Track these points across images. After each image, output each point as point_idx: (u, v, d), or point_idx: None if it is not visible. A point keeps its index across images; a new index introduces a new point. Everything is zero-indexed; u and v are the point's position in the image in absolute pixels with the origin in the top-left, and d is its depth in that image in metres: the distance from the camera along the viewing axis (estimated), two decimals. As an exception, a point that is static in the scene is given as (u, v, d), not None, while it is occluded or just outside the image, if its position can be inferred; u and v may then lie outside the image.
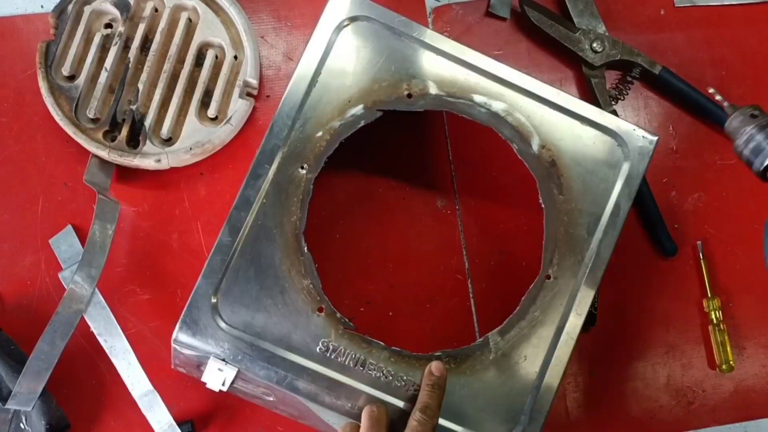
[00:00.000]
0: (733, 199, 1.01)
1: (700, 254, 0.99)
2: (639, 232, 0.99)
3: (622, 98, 1.00)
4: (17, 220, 0.91)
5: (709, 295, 0.98)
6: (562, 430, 0.94)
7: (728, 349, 0.96)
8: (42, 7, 0.95)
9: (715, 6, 1.04)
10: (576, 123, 0.83)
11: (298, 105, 0.79)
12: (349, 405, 0.75)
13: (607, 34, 0.99)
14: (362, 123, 0.80)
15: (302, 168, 0.79)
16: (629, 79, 1.00)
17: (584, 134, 0.83)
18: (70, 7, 0.91)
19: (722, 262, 1.00)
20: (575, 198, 0.82)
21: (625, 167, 0.83)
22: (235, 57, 0.93)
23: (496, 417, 0.77)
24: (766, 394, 0.98)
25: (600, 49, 0.98)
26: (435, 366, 0.77)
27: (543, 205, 0.81)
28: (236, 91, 0.93)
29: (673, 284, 0.99)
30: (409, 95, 0.82)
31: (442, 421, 0.76)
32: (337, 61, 0.81)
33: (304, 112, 0.79)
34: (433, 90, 0.82)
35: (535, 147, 0.82)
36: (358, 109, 0.81)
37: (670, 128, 1.01)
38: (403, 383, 0.77)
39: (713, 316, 0.97)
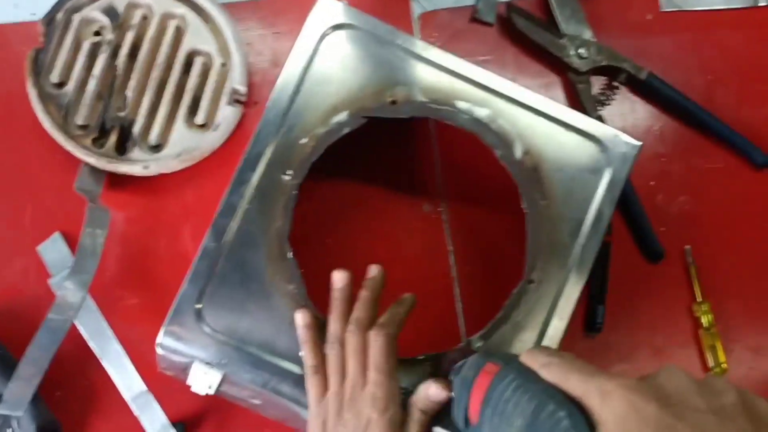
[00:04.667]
0: (719, 203, 1.02)
1: (689, 260, 0.99)
2: (626, 237, 0.99)
3: (608, 103, 1.00)
4: (6, 227, 0.92)
5: (699, 299, 0.98)
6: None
7: (719, 352, 0.97)
8: (33, 15, 0.96)
9: (702, 11, 1.05)
10: (560, 129, 0.84)
11: (283, 112, 0.80)
12: None
13: (593, 40, 0.99)
14: (347, 130, 0.81)
15: (286, 174, 0.79)
16: (615, 84, 1.00)
17: (567, 140, 0.84)
18: (59, 15, 0.91)
19: (708, 265, 1.00)
20: (558, 204, 0.82)
21: (608, 173, 0.83)
22: (223, 64, 0.94)
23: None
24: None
25: (586, 55, 0.99)
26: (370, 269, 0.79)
27: (526, 211, 0.82)
28: (224, 98, 0.93)
29: (661, 288, 1.00)
30: (394, 102, 0.82)
31: None
32: (321, 68, 0.81)
33: (289, 119, 0.80)
34: (417, 97, 0.82)
35: (518, 153, 0.83)
36: (342, 116, 0.81)
37: (657, 132, 1.02)
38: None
39: (704, 320, 0.98)
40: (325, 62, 0.82)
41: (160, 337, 0.76)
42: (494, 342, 0.79)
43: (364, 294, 0.77)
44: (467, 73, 0.83)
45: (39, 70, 0.90)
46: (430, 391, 0.72)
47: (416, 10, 1.01)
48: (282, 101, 0.80)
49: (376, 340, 0.73)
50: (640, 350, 0.97)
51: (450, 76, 0.83)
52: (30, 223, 0.92)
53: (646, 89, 1.02)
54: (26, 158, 0.93)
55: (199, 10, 0.94)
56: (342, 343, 0.74)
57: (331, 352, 0.74)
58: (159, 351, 0.77)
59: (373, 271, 0.79)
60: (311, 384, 0.74)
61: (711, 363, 0.97)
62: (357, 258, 0.94)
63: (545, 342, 0.79)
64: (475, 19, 1.01)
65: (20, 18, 0.96)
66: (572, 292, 0.81)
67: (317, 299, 0.78)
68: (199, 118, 0.92)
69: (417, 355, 0.79)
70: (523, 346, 0.79)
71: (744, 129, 1.02)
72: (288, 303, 0.77)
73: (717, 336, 0.97)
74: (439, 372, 0.76)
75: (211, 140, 0.92)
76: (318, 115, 0.81)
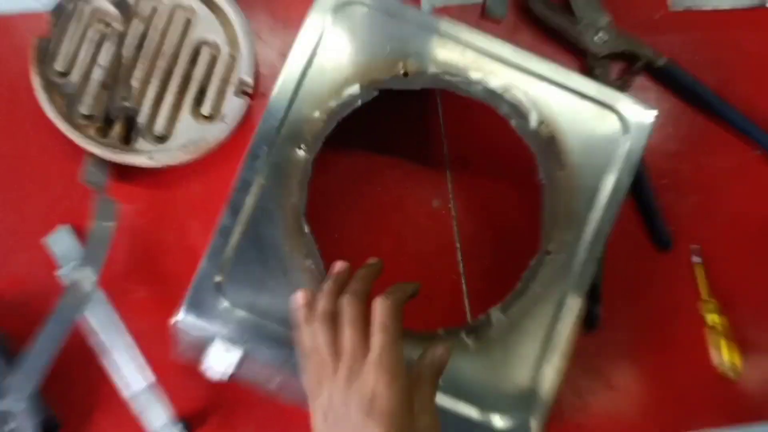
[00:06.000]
0: (730, 202, 1.01)
1: (696, 258, 0.98)
2: (634, 232, 0.98)
3: (625, 90, 0.99)
4: (11, 218, 0.91)
5: (705, 298, 0.97)
6: (557, 430, 0.93)
7: (731, 352, 0.96)
8: (40, 3, 0.95)
9: (710, 10, 1.05)
10: (575, 98, 0.83)
11: (295, 86, 0.80)
12: None
13: (610, 26, 0.99)
14: (359, 102, 0.80)
15: (300, 148, 0.79)
16: (633, 70, 1.00)
17: (583, 109, 0.83)
18: (67, 4, 0.91)
19: (720, 265, 0.99)
20: (575, 173, 0.82)
21: (625, 141, 0.83)
22: (231, 55, 0.93)
23: (501, 393, 0.77)
24: (761, 397, 0.97)
25: (605, 39, 0.98)
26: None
27: (542, 181, 0.81)
28: (231, 89, 0.92)
29: (673, 287, 0.98)
30: (405, 74, 0.82)
31: (444, 399, 0.76)
32: (332, 42, 0.81)
33: (301, 93, 0.80)
34: (429, 68, 0.82)
35: (533, 123, 0.82)
36: (354, 89, 0.81)
37: (670, 129, 1.01)
38: (405, 362, 0.76)
39: (710, 320, 0.97)
40: (337, 36, 0.81)
41: (181, 314, 0.75)
42: (513, 314, 0.79)
43: (362, 271, 0.74)
44: (479, 43, 0.83)
45: (44, 58, 0.89)
46: (438, 352, 0.70)
47: (426, 6, 1.00)
48: (294, 75, 0.80)
49: (383, 302, 0.68)
50: (646, 349, 0.96)
51: (462, 46, 0.83)
52: (35, 214, 0.91)
53: (664, 77, 1.01)
54: (30, 148, 0.92)
55: (209, 1, 0.93)
56: (333, 319, 0.70)
57: (321, 327, 0.69)
58: (179, 328, 0.76)
59: (373, 259, 0.77)
60: (310, 368, 0.69)
61: (718, 364, 0.96)
62: (363, 252, 0.93)
63: (564, 313, 0.79)
64: (486, 15, 1.00)
65: (27, 6, 0.95)
66: (589, 263, 0.80)
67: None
68: (206, 109, 0.91)
69: (436, 330, 0.79)
70: (542, 318, 0.79)
71: (756, 130, 1.02)
72: (307, 278, 0.77)
73: (722, 335, 0.96)
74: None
75: (218, 131, 0.91)
76: (330, 88, 0.80)
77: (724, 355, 0.96)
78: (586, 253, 0.80)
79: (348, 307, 0.69)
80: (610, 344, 0.96)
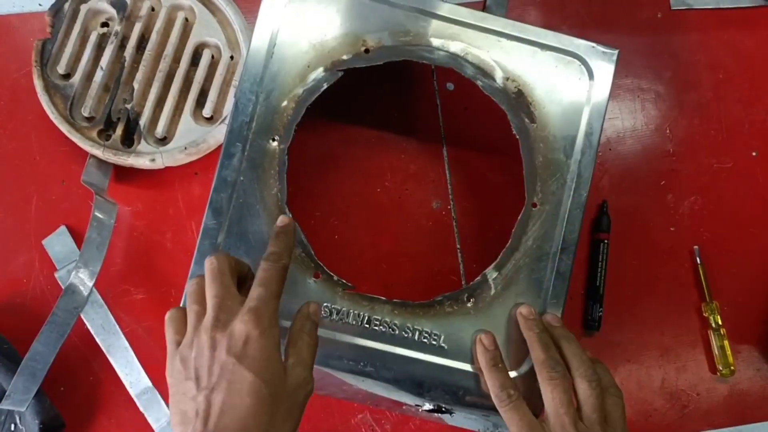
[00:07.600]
0: (729, 203, 1.01)
1: (697, 259, 0.98)
2: (635, 235, 0.99)
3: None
4: (11, 219, 0.91)
5: (708, 299, 0.98)
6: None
7: (728, 353, 0.96)
8: (40, 5, 0.95)
9: (711, 9, 1.04)
10: (536, 50, 0.83)
11: (259, 78, 0.79)
12: (361, 364, 0.75)
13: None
14: (325, 86, 0.79)
15: (273, 140, 0.78)
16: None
17: (545, 60, 0.83)
18: (66, 5, 0.91)
19: (717, 266, 0.99)
20: (547, 124, 0.82)
21: (591, 85, 0.82)
22: (231, 57, 0.93)
23: (508, 351, 0.78)
24: (761, 398, 0.98)
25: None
26: (280, 219, 0.75)
27: (517, 136, 0.81)
28: (232, 91, 0.92)
29: (670, 288, 0.99)
30: (366, 50, 0.81)
31: (455, 363, 0.77)
32: (290, 29, 0.80)
33: (266, 85, 0.79)
34: (388, 41, 0.81)
35: (498, 80, 0.82)
36: (318, 73, 0.80)
37: (667, 131, 1.01)
38: (410, 333, 0.77)
39: (712, 321, 0.97)
40: (294, 22, 0.80)
41: None
42: (508, 270, 0.80)
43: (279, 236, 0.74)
44: (434, 9, 0.82)
45: (45, 61, 0.90)
46: (312, 307, 0.72)
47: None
48: (256, 68, 0.79)
49: (268, 264, 0.70)
50: (647, 350, 0.97)
51: (417, 14, 0.82)
52: (35, 216, 0.91)
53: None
54: (31, 150, 0.93)
55: (207, 2, 0.93)
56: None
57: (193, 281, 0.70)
58: None
59: (284, 220, 0.75)
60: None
61: (719, 365, 0.97)
62: (363, 253, 0.94)
63: (559, 261, 0.80)
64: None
65: (27, 8, 0.96)
66: (576, 208, 0.81)
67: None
68: (206, 111, 0.91)
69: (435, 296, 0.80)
70: (538, 270, 0.80)
71: (754, 128, 1.02)
72: (297, 267, 0.77)
73: (725, 337, 0.97)
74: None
75: (218, 133, 0.91)
76: (294, 75, 0.80)
77: (726, 357, 0.96)
78: (572, 200, 0.81)
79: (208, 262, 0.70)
80: (612, 345, 0.96)
